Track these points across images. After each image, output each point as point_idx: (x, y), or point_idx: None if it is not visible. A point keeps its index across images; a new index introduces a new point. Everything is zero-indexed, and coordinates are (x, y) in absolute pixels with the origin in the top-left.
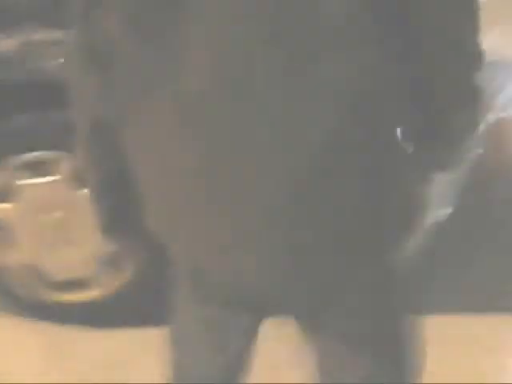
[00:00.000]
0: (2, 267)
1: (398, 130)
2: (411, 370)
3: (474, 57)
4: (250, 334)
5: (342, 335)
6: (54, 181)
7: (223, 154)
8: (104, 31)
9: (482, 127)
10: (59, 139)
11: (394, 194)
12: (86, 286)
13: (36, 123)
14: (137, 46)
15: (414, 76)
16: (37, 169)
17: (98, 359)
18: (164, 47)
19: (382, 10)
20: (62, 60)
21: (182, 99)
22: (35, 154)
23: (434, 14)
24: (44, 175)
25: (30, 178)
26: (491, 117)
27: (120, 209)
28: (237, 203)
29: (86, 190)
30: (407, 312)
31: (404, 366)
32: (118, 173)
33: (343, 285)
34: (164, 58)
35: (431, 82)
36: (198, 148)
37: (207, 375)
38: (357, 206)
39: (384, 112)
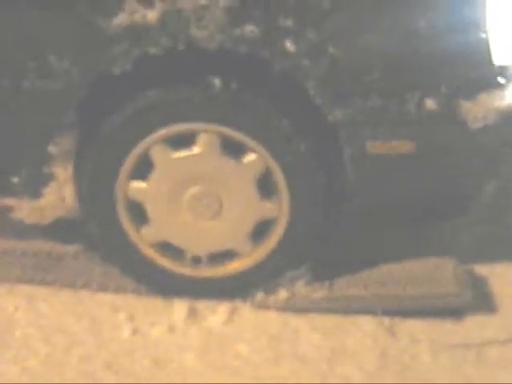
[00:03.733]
0: (144, 245)
1: None
2: None
3: None
4: None
5: None
6: (194, 154)
7: None
8: None
9: None
10: (199, 110)
11: None
12: (231, 259)
13: (174, 95)
14: None
15: None
16: (177, 142)
17: None
18: None
19: None
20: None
21: None
22: (175, 126)
23: None
24: (185, 148)
25: (171, 151)
26: None
27: None
28: None
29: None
30: None
31: None
32: None
33: None
34: None
35: None
36: None
37: None
38: None
39: None
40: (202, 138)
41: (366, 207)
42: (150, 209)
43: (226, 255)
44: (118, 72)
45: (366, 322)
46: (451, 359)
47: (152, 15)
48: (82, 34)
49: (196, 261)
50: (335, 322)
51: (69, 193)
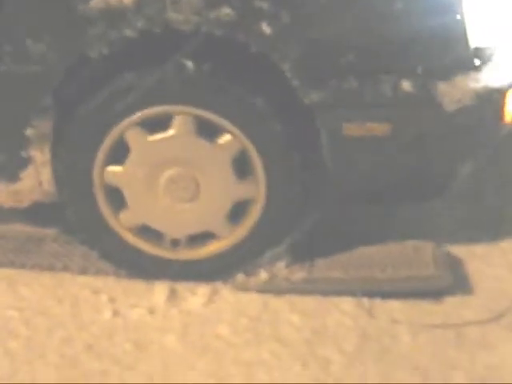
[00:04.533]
0: (122, 229)
1: None
2: None
3: None
4: None
5: None
6: (169, 136)
7: None
8: None
9: None
10: (173, 92)
11: None
12: (209, 241)
13: (147, 78)
14: None
15: None
16: (152, 124)
17: None
18: None
19: None
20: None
21: None
22: (149, 109)
23: None
24: (160, 131)
25: (146, 134)
26: None
27: None
28: None
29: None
30: None
31: None
32: None
33: None
34: None
35: None
36: None
37: None
38: None
39: None
40: (177, 121)
41: (342, 189)
42: (128, 193)
43: (205, 237)
44: (95, 55)
45: (346, 304)
46: (431, 340)
47: None
48: (59, 17)
49: (175, 243)
50: (315, 304)
51: (46, 176)
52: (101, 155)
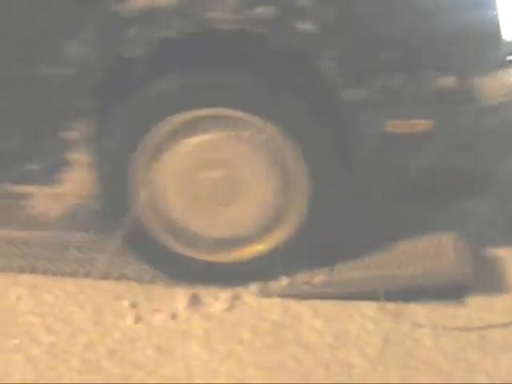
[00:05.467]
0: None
1: None
2: None
3: None
4: None
5: None
6: (211, 138)
7: None
8: None
9: None
10: (218, 95)
11: None
12: (246, 244)
13: (188, 81)
14: None
15: None
16: (194, 127)
17: None
18: None
19: None
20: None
21: None
22: (193, 111)
23: None
24: (202, 133)
25: (188, 136)
26: None
27: None
28: None
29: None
30: None
31: None
32: None
33: None
34: None
35: None
36: None
37: None
38: None
39: None
40: (219, 123)
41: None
42: (168, 194)
43: (244, 241)
44: (135, 56)
45: (368, 308)
46: (454, 343)
47: None
48: (99, 19)
49: (212, 246)
50: (337, 308)
51: (87, 179)
52: (143, 156)
